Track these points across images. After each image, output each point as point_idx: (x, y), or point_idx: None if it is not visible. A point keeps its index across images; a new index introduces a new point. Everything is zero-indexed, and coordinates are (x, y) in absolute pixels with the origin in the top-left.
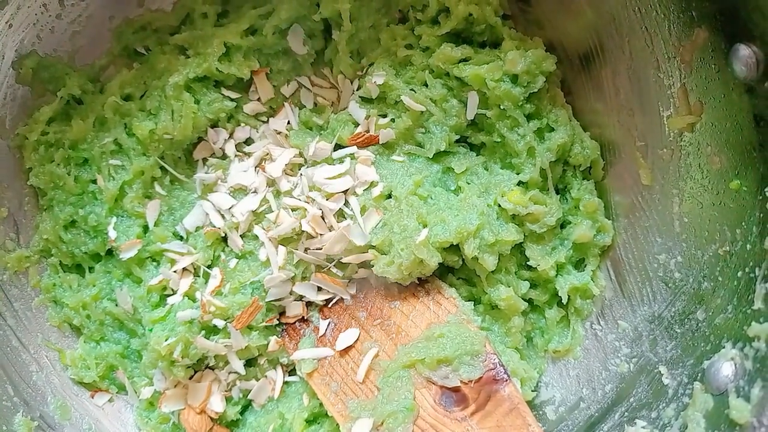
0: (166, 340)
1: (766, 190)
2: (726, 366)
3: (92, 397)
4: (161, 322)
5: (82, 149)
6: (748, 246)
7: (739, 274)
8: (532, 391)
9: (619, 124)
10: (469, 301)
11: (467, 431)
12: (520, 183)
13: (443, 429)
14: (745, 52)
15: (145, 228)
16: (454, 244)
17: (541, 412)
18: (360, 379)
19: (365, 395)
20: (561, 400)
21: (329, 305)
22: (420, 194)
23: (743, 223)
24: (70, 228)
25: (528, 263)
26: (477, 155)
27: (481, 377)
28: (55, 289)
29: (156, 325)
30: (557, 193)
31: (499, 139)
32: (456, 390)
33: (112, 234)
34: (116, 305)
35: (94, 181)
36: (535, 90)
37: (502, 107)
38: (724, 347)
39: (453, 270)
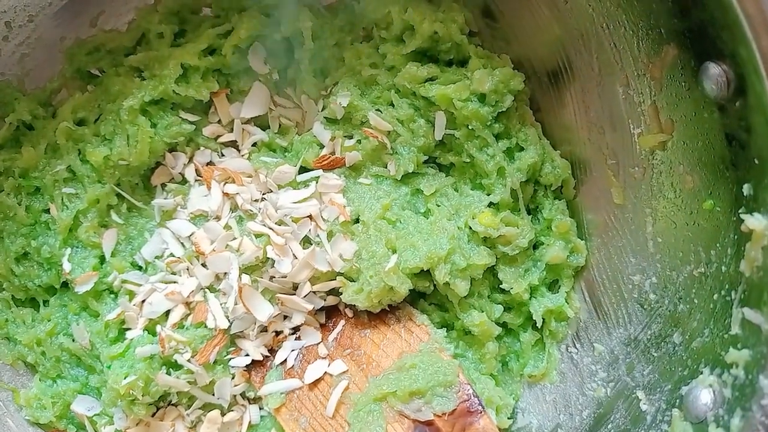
0: (125, 378)
1: (740, 211)
2: (704, 393)
3: None
4: (120, 358)
5: (34, 177)
6: (723, 268)
7: (715, 296)
8: (509, 418)
9: (590, 142)
10: (441, 327)
11: None
12: (490, 204)
13: None
14: (715, 70)
15: (102, 258)
16: (425, 269)
17: None
18: (330, 413)
19: (335, 431)
20: (538, 427)
21: (296, 335)
22: (388, 218)
23: (718, 244)
24: (22, 260)
25: (501, 286)
26: (446, 176)
27: (454, 409)
28: (8, 325)
29: (114, 361)
30: (528, 213)
31: (468, 160)
32: (429, 424)
33: (67, 266)
34: (73, 341)
35: (47, 211)
36: (504, 109)
37: (470, 127)
38: (702, 373)
39: (424, 295)
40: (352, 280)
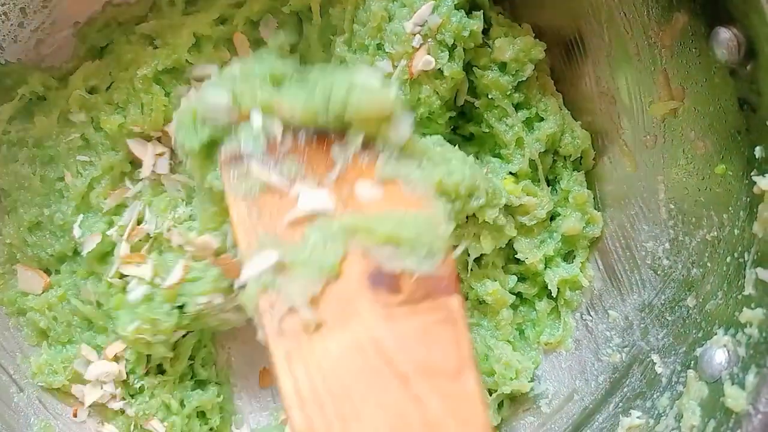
0: (131, 325)
1: (752, 174)
2: (719, 353)
3: (75, 416)
4: (124, 308)
5: (48, 146)
6: (736, 231)
7: (729, 259)
8: (529, 382)
9: (602, 112)
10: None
11: (384, 319)
12: (510, 173)
13: (357, 305)
14: (725, 35)
15: (111, 222)
16: None
17: (534, 406)
18: (287, 221)
19: (284, 237)
20: (554, 393)
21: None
22: None
23: (730, 208)
24: (35, 230)
25: (516, 257)
26: (470, 146)
27: (428, 277)
28: (18, 297)
29: (119, 311)
30: (548, 184)
31: (487, 130)
32: (392, 276)
33: (77, 232)
34: (83, 303)
35: (61, 179)
36: (524, 79)
37: (490, 96)
38: (716, 334)
39: None
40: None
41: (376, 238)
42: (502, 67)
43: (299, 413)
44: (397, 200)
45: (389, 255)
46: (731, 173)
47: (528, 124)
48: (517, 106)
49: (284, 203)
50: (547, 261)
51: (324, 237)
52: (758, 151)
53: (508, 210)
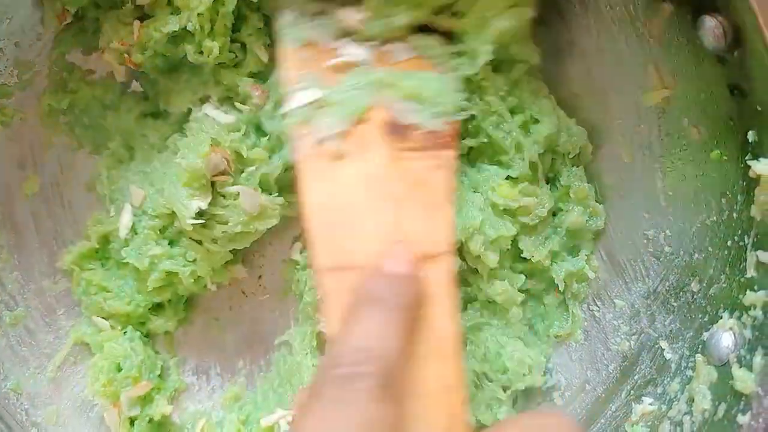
0: None
1: (746, 158)
2: (725, 336)
3: None
4: None
5: None
6: (735, 215)
7: (729, 243)
8: (542, 375)
9: (596, 106)
10: (466, 300)
11: (392, 159)
12: (508, 178)
13: (373, 146)
14: (711, 23)
15: None
16: (462, 241)
17: (548, 399)
18: (328, 65)
19: (324, 80)
20: (566, 385)
21: None
22: None
23: (728, 192)
24: None
25: (522, 255)
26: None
27: (434, 132)
28: None
29: None
30: (547, 182)
31: (485, 140)
32: (405, 126)
33: None
34: None
35: None
36: (516, 78)
37: (486, 99)
38: (721, 317)
39: None
40: None
41: (400, 93)
42: (497, 67)
43: (314, 218)
44: (424, 65)
45: (407, 109)
46: (726, 158)
47: (524, 127)
48: (512, 112)
49: (328, 52)
50: (553, 256)
51: (358, 85)
52: (751, 136)
53: (507, 213)
